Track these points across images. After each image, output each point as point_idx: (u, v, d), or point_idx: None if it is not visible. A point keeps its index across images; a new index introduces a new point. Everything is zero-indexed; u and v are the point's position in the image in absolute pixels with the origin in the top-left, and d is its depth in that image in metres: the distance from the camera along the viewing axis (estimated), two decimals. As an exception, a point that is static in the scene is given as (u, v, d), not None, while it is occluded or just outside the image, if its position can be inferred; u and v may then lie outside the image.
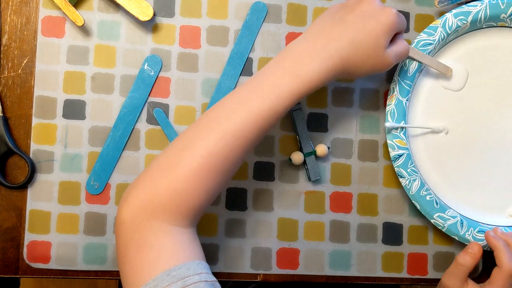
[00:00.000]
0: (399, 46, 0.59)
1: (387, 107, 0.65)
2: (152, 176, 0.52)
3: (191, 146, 0.51)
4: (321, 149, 0.66)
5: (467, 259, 0.61)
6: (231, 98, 0.54)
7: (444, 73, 0.67)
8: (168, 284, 0.46)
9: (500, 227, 0.66)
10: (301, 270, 0.67)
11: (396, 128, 0.64)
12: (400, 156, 0.64)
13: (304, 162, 0.66)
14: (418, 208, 0.65)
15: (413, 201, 0.65)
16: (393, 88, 0.65)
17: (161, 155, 0.53)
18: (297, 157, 0.66)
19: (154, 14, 0.66)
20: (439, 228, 0.65)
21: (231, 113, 0.53)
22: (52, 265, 0.64)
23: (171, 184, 0.50)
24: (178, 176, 0.50)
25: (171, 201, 0.50)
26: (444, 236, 0.68)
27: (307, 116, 0.68)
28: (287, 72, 0.54)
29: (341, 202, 0.68)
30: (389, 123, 0.64)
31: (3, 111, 0.64)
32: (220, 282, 0.51)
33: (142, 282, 0.47)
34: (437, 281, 0.65)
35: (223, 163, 0.52)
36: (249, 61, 0.67)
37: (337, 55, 0.54)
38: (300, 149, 0.66)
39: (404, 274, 0.68)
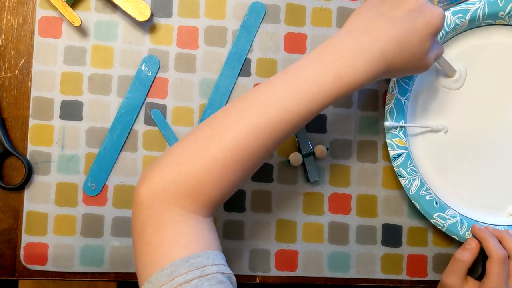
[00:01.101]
0: (437, 47, 0.56)
1: (386, 106, 0.64)
2: (178, 158, 0.50)
3: (220, 135, 0.49)
4: (319, 150, 0.65)
5: (465, 254, 0.61)
6: (266, 89, 0.51)
7: (449, 75, 0.66)
8: (186, 271, 0.45)
9: (500, 227, 0.65)
10: (299, 272, 0.66)
11: (396, 128, 0.64)
12: (399, 155, 0.64)
13: (303, 163, 0.66)
14: (418, 208, 0.64)
15: (412, 201, 0.64)
16: (392, 87, 0.64)
17: (188, 137, 0.51)
18: (296, 158, 0.65)
19: (152, 15, 0.65)
20: (439, 228, 0.65)
21: (265, 106, 0.49)
22: (49, 267, 0.64)
23: (196, 172, 0.48)
24: (203, 164, 0.48)
25: (193, 189, 0.48)
26: (443, 237, 0.67)
27: (306, 116, 0.67)
28: (329, 69, 0.50)
29: (340, 204, 0.67)
30: (388, 122, 0.64)
31: (0, 112, 0.64)
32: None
33: (158, 266, 0.46)
34: (437, 282, 0.65)
35: (250, 157, 0.49)
36: (247, 61, 0.67)
37: (382, 58, 0.51)
38: (299, 150, 0.66)
39: (403, 276, 0.67)
